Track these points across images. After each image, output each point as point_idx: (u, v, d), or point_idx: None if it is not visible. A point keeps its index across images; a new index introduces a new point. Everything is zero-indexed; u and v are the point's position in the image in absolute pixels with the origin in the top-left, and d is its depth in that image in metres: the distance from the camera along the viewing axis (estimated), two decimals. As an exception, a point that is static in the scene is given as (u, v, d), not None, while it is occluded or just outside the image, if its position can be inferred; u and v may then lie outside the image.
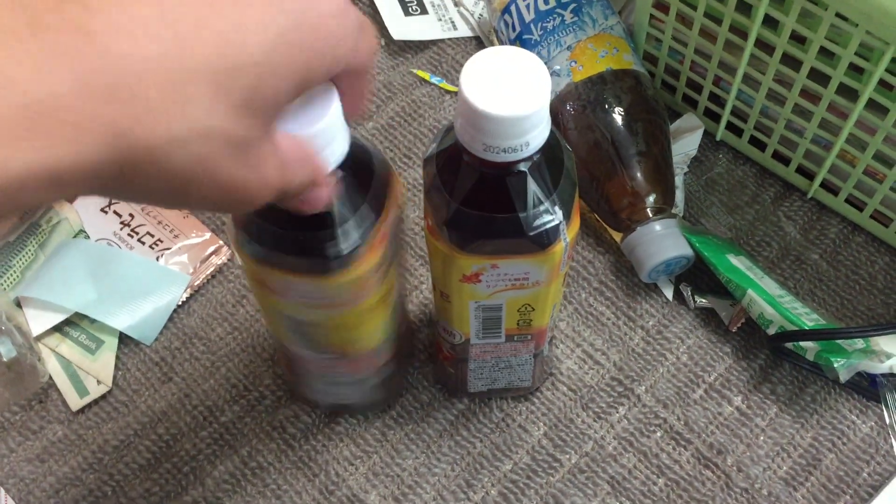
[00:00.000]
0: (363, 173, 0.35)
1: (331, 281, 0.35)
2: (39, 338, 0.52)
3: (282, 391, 0.51)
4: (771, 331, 0.49)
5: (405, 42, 0.64)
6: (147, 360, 0.52)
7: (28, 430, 0.50)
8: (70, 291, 0.52)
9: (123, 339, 0.52)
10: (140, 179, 0.23)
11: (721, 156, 0.59)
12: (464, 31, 0.65)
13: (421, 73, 0.63)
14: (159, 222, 0.55)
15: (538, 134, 0.32)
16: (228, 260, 0.55)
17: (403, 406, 0.51)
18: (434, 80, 0.62)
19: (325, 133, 0.30)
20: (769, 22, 0.49)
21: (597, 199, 0.53)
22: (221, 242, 0.55)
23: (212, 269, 0.55)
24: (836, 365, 0.46)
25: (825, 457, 0.49)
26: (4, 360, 0.49)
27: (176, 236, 0.55)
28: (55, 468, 0.49)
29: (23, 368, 0.50)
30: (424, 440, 0.50)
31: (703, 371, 0.51)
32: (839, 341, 0.47)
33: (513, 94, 0.31)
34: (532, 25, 0.56)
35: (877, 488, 0.48)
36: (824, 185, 0.56)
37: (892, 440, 0.49)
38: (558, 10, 0.56)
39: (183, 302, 0.54)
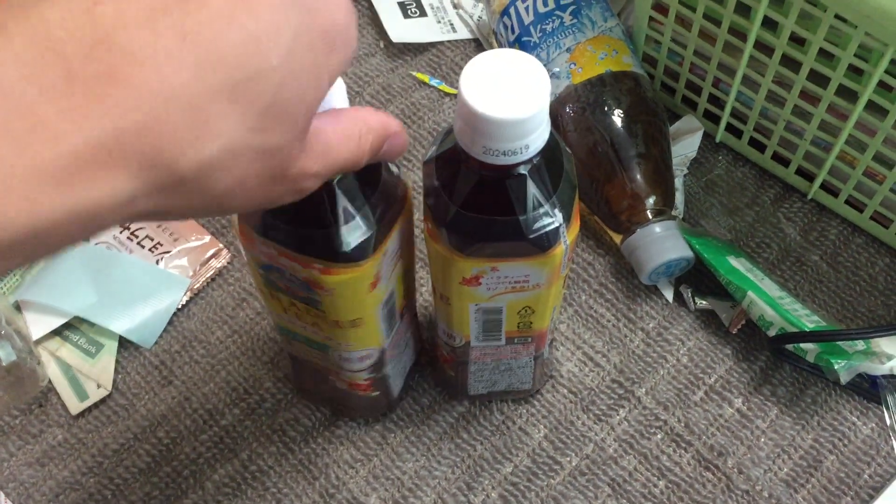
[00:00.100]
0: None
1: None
2: (39, 341, 0.52)
3: (282, 394, 0.51)
4: (771, 332, 0.49)
5: (404, 44, 0.64)
6: (147, 363, 0.52)
7: (28, 433, 0.50)
8: (70, 295, 0.52)
9: (123, 342, 0.52)
10: (177, 203, 0.24)
11: (721, 157, 0.59)
12: (463, 33, 0.65)
13: (420, 76, 0.63)
14: (159, 226, 0.55)
15: (538, 136, 0.32)
16: (228, 263, 0.55)
17: (403, 409, 0.50)
18: (433, 82, 0.62)
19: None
20: (768, 23, 0.49)
21: (597, 201, 0.53)
22: (221, 245, 0.55)
23: (212, 272, 0.54)
24: (836, 366, 0.46)
25: (826, 458, 0.49)
26: (4, 363, 0.49)
27: (176, 240, 0.55)
28: (55, 472, 0.49)
29: (22, 372, 0.50)
30: (425, 443, 0.50)
31: (703, 373, 0.51)
32: (840, 343, 0.47)
33: (512, 96, 0.31)
34: (531, 27, 0.56)
35: (878, 490, 0.48)
36: (824, 186, 0.56)
37: (893, 442, 0.49)
38: (557, 13, 0.56)
39: (183, 305, 0.54)
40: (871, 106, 0.48)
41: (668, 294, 0.54)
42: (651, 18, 0.55)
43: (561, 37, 0.55)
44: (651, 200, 0.51)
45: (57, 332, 0.52)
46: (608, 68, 0.54)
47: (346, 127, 0.29)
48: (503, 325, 0.41)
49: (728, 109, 0.56)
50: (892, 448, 0.49)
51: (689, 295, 0.53)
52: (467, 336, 0.42)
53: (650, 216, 0.51)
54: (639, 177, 0.51)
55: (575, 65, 0.54)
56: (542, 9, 0.56)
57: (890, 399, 0.50)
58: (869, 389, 0.50)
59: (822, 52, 0.47)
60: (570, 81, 0.54)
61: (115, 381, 0.51)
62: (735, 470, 0.49)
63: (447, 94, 0.62)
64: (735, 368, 0.51)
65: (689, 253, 0.51)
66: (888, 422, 0.50)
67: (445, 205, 0.35)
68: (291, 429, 0.50)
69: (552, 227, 0.35)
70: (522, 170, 0.33)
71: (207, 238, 0.55)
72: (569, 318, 0.53)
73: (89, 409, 0.51)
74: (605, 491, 0.48)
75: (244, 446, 0.50)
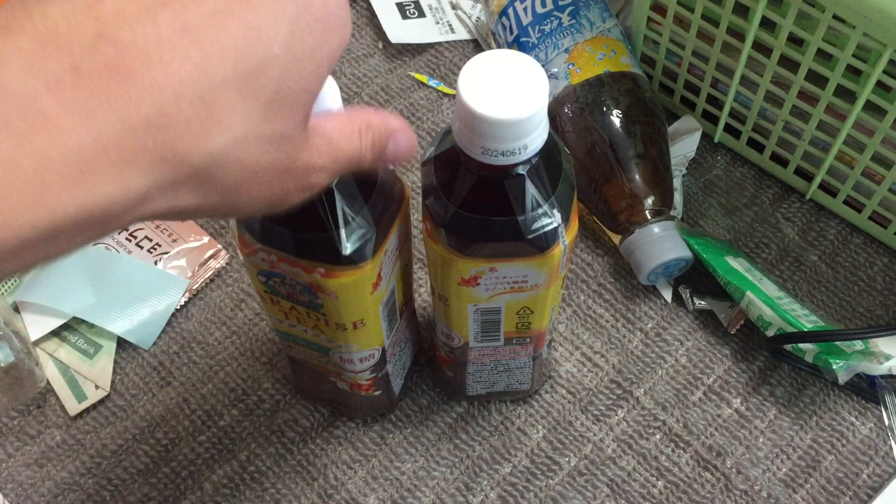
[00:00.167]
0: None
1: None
2: (37, 342, 0.52)
3: (280, 395, 0.51)
4: (770, 332, 0.49)
5: (403, 45, 0.64)
6: (145, 364, 0.52)
7: (26, 434, 0.50)
8: (68, 296, 0.52)
9: (121, 343, 0.52)
10: (190, 201, 0.24)
11: (719, 158, 0.59)
12: (461, 34, 0.65)
13: (419, 76, 0.63)
14: (157, 226, 0.55)
15: (536, 137, 0.32)
16: (227, 264, 0.55)
17: (402, 409, 0.50)
18: (432, 83, 0.62)
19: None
20: (766, 24, 0.49)
21: (595, 201, 0.53)
22: (220, 246, 0.55)
23: (210, 273, 0.54)
24: (835, 366, 0.46)
25: (824, 458, 0.49)
26: (2, 364, 0.49)
27: (174, 240, 0.55)
28: (53, 473, 0.49)
29: (21, 373, 0.50)
30: (423, 443, 0.50)
31: (702, 373, 0.51)
32: (838, 343, 0.47)
33: (510, 97, 0.31)
34: (529, 28, 0.57)
35: (876, 490, 0.48)
36: (823, 186, 0.56)
37: (892, 441, 0.49)
38: (556, 13, 0.56)
39: (181, 306, 0.54)
40: (870, 106, 0.48)
41: (667, 294, 0.54)
42: (649, 19, 0.55)
43: (559, 37, 0.55)
44: (650, 201, 0.51)
45: (55, 333, 0.52)
46: (606, 69, 0.54)
47: (345, 123, 0.29)
48: (502, 325, 0.41)
49: (726, 110, 0.56)
50: (891, 448, 0.49)
51: (688, 295, 0.53)
52: (466, 337, 0.42)
53: (649, 216, 0.51)
54: (637, 177, 0.52)
55: (573, 65, 0.54)
56: (540, 9, 0.56)
57: (888, 399, 0.50)
58: (867, 389, 0.50)
59: (821, 53, 0.47)
60: (569, 82, 0.54)
61: (113, 381, 0.51)
62: (734, 470, 0.49)
63: (446, 95, 0.62)
64: (733, 368, 0.52)
65: (687, 253, 0.51)
66: (886, 422, 0.50)
67: (444, 205, 0.35)
68: (290, 429, 0.50)
69: (551, 227, 0.35)
70: (521, 170, 0.33)
71: (206, 239, 0.55)
72: (567, 318, 0.53)
73: (88, 410, 0.51)
74: (604, 491, 0.48)
75: (243, 447, 0.50)
